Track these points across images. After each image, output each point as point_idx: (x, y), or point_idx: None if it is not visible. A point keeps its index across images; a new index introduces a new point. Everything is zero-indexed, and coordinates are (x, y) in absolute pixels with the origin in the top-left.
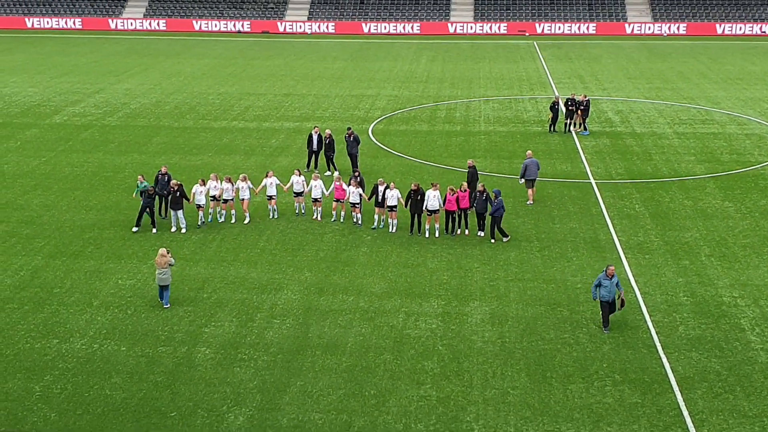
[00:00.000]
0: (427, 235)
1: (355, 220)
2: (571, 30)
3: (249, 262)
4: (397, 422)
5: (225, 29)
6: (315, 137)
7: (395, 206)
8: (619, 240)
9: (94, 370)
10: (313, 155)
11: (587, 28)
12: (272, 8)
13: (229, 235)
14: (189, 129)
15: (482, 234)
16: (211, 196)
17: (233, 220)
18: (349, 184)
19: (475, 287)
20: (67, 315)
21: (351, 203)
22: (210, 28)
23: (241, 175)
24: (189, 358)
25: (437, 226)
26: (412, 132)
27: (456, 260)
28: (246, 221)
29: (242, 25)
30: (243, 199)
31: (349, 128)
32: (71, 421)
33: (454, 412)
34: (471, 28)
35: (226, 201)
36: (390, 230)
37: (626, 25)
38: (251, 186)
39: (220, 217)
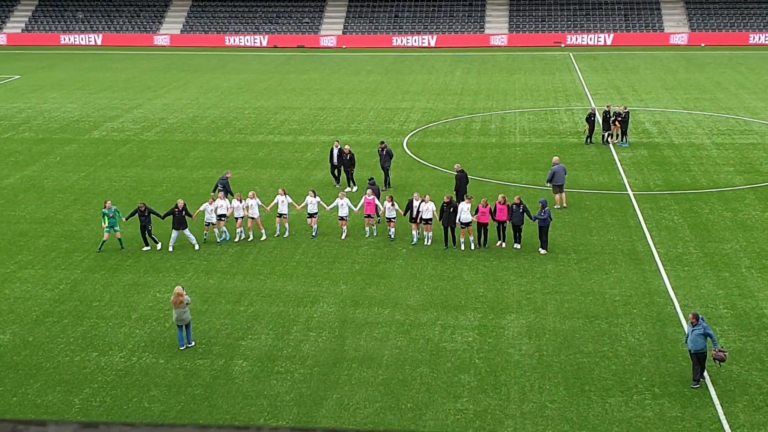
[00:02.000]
0: (462, 248)
1: (390, 236)
2: (607, 41)
3: (285, 275)
4: None
5: (259, 44)
6: (335, 151)
7: (430, 219)
8: (657, 252)
9: (133, 383)
10: (335, 170)
11: (624, 39)
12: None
13: (265, 248)
14: (225, 143)
15: (518, 246)
16: (219, 215)
17: (251, 237)
18: (382, 199)
19: (512, 300)
20: (106, 328)
21: (387, 218)
22: (245, 43)
23: (250, 192)
24: (226, 371)
25: (471, 238)
26: (446, 144)
27: (492, 272)
28: (263, 237)
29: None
30: (253, 218)
31: (382, 142)
32: None
33: (492, 425)
34: (505, 39)
35: (236, 219)
36: (425, 243)
37: (664, 36)
38: (260, 203)
39: (237, 236)
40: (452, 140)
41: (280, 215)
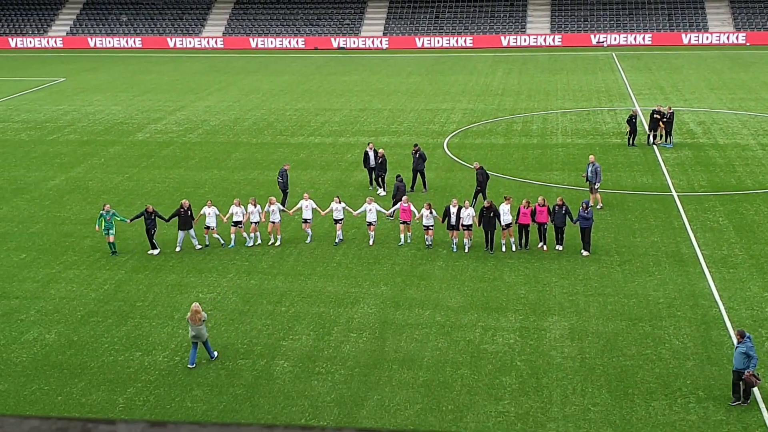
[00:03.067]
0: (503, 250)
1: (428, 243)
2: (650, 40)
3: (325, 276)
4: None
5: (299, 46)
6: (371, 153)
7: (471, 225)
8: (702, 254)
9: (176, 383)
10: (371, 172)
11: (669, 38)
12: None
13: (305, 249)
14: (267, 145)
15: (560, 248)
16: (235, 222)
17: (278, 242)
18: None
19: (554, 302)
20: (149, 328)
21: (425, 226)
22: (286, 45)
23: (270, 198)
24: (268, 371)
25: (512, 240)
26: (487, 145)
27: (533, 274)
28: (277, 243)
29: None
30: (273, 222)
31: (415, 145)
32: None
33: (534, 428)
34: (548, 40)
35: (252, 224)
36: (465, 251)
37: (708, 35)
38: (282, 209)
39: (250, 241)
40: (493, 141)
41: (305, 221)
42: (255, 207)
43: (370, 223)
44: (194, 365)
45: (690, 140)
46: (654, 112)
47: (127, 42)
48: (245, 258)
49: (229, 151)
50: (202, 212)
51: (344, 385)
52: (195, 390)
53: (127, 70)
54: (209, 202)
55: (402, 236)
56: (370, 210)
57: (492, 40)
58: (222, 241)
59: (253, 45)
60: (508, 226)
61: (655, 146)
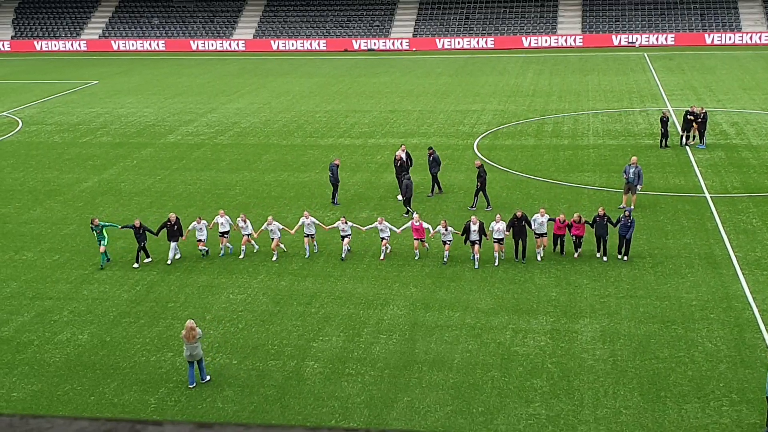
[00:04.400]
0: (539, 259)
1: (445, 260)
2: (682, 41)
3: (355, 278)
4: None
5: (328, 48)
6: (403, 155)
7: (502, 239)
8: (735, 256)
9: (207, 383)
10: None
11: (700, 38)
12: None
13: (336, 251)
14: (297, 146)
15: (605, 259)
16: (221, 232)
17: (274, 258)
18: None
19: (585, 304)
20: (181, 329)
21: (443, 241)
22: (316, 47)
23: (269, 218)
24: (298, 372)
25: (543, 248)
26: (518, 146)
27: (564, 276)
28: (273, 258)
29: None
30: (273, 239)
31: (430, 148)
32: None
33: (565, 431)
34: (578, 40)
35: (243, 236)
36: (495, 263)
37: (741, 35)
38: (281, 227)
39: (241, 253)
40: (523, 142)
41: (308, 235)
42: (222, 218)
43: (383, 238)
44: (194, 385)
45: (723, 141)
46: (687, 113)
47: (157, 45)
48: (271, 263)
49: (259, 153)
50: (190, 227)
51: (374, 387)
52: (226, 390)
53: (159, 73)
54: (199, 218)
55: (417, 252)
56: (382, 229)
57: (519, 40)
58: (203, 253)
59: (275, 47)
60: (541, 235)
61: (687, 147)
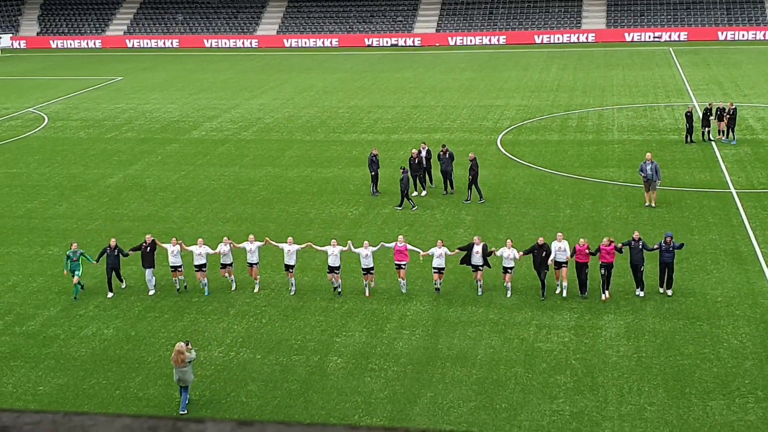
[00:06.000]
0: (564, 294)
1: (437, 286)
2: (708, 35)
3: (378, 273)
4: None
5: (352, 44)
6: (423, 153)
7: (512, 268)
8: (761, 252)
9: (231, 378)
10: (425, 173)
11: (725, 34)
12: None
13: (358, 246)
14: (320, 142)
15: (641, 294)
16: (197, 265)
17: (257, 289)
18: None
19: (610, 300)
20: (205, 323)
21: (435, 269)
22: (338, 44)
23: (250, 237)
24: (321, 367)
25: (565, 284)
26: (542, 142)
27: (589, 272)
28: (256, 289)
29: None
30: (251, 264)
31: (443, 145)
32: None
33: (589, 427)
34: (602, 35)
35: (224, 266)
36: (507, 295)
37: (766, 31)
38: (260, 244)
39: (233, 285)
40: (547, 137)
41: (288, 268)
42: (201, 248)
43: (366, 271)
44: (185, 411)
45: (749, 136)
46: (707, 109)
47: (179, 42)
48: (298, 255)
49: (283, 149)
50: (170, 250)
51: (397, 382)
52: (250, 385)
53: (183, 69)
54: (174, 240)
55: (401, 281)
56: (366, 255)
57: (541, 35)
58: (178, 287)
59: (297, 44)
60: (561, 264)
61: (713, 142)
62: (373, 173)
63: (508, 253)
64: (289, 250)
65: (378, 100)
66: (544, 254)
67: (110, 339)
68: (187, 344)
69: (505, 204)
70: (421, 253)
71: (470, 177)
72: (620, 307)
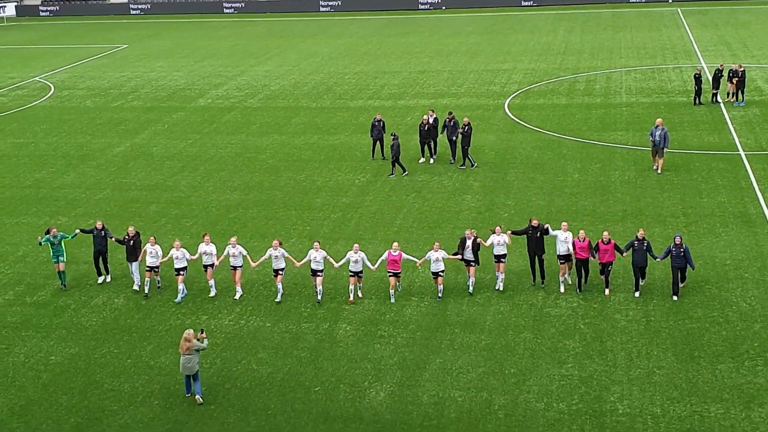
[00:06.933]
0: (562, 289)
1: (440, 295)
2: None
3: (387, 240)
4: (539, 401)
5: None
6: (431, 120)
7: (504, 256)
8: None
9: (241, 346)
10: (432, 142)
11: None
12: None
13: (366, 213)
14: (326, 109)
15: (637, 295)
16: (177, 269)
17: (239, 294)
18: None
19: (618, 264)
20: (218, 292)
21: (434, 273)
22: (344, 8)
23: (232, 239)
24: (331, 335)
25: (567, 277)
26: (549, 106)
27: (597, 237)
28: (237, 295)
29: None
30: (235, 267)
31: (450, 112)
32: (220, 394)
33: (597, 391)
34: None
35: (206, 268)
36: (498, 288)
37: None
38: (245, 253)
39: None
40: (555, 101)
41: (276, 273)
42: (178, 251)
43: (354, 274)
44: (190, 394)
45: (758, 98)
46: (717, 71)
47: (185, 8)
48: (306, 223)
49: (289, 116)
50: (146, 248)
51: (407, 349)
52: (260, 353)
53: (187, 36)
54: (152, 239)
55: (392, 292)
56: (356, 260)
57: None
58: (158, 286)
59: (305, 8)
60: (565, 258)
61: (721, 104)
62: (374, 138)
63: (498, 240)
64: (276, 255)
65: (384, 65)
66: (539, 234)
67: (121, 308)
68: (201, 332)
69: (513, 169)
70: (418, 262)
71: (464, 144)
72: (628, 272)
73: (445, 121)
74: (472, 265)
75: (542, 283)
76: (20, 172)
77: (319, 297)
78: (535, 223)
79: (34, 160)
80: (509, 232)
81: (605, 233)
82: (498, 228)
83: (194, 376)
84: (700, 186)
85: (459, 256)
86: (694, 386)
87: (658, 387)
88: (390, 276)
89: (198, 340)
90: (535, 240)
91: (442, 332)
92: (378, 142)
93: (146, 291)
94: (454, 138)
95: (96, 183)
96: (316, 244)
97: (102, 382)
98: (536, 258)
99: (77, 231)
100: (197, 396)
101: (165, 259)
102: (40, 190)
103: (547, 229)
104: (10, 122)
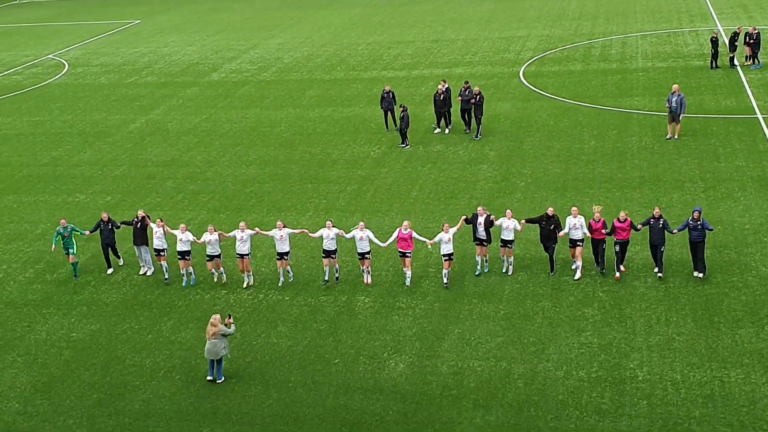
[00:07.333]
0: (577, 275)
1: (445, 281)
2: None
3: (403, 212)
4: (558, 369)
5: None
6: (443, 89)
7: (512, 241)
8: None
9: (261, 319)
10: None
11: None
12: None
13: (382, 185)
14: (340, 81)
15: (661, 274)
16: (181, 252)
17: (247, 283)
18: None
19: (636, 232)
20: (233, 266)
21: (444, 256)
22: None
23: (241, 224)
24: (349, 307)
25: (579, 264)
26: (565, 72)
27: (615, 204)
28: (245, 284)
29: None
30: (242, 255)
31: (466, 82)
32: (241, 368)
33: (617, 359)
34: None
35: (211, 258)
36: (505, 272)
37: None
38: (252, 233)
39: (216, 277)
40: (571, 68)
41: (281, 256)
42: (183, 234)
43: (362, 256)
44: (212, 378)
45: None
46: (734, 33)
47: None
48: (322, 196)
49: (303, 89)
50: (156, 230)
51: (425, 320)
52: (279, 326)
53: (199, 10)
54: (159, 220)
55: (405, 270)
56: (361, 238)
57: None
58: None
59: None
60: (576, 243)
61: (738, 67)
62: (385, 110)
63: (507, 224)
64: (282, 236)
65: (397, 35)
66: (552, 227)
67: (140, 284)
68: (229, 317)
69: (529, 137)
70: (428, 242)
71: (476, 112)
72: (646, 239)
73: (460, 90)
74: (484, 245)
75: (552, 271)
76: (37, 150)
77: (337, 275)
78: (551, 212)
79: (51, 138)
80: (524, 221)
81: (621, 212)
82: (509, 211)
83: (218, 360)
84: (717, 150)
85: (464, 217)
86: (714, 352)
87: (678, 353)
88: (400, 256)
89: (225, 325)
90: (548, 232)
91: (460, 303)
92: (389, 113)
93: (166, 276)
94: (467, 108)
95: (112, 160)
96: (328, 222)
97: (124, 358)
98: (549, 249)
99: (87, 233)
100: (218, 380)
101: (172, 231)
102: (57, 168)
103: (560, 221)
104: (26, 100)
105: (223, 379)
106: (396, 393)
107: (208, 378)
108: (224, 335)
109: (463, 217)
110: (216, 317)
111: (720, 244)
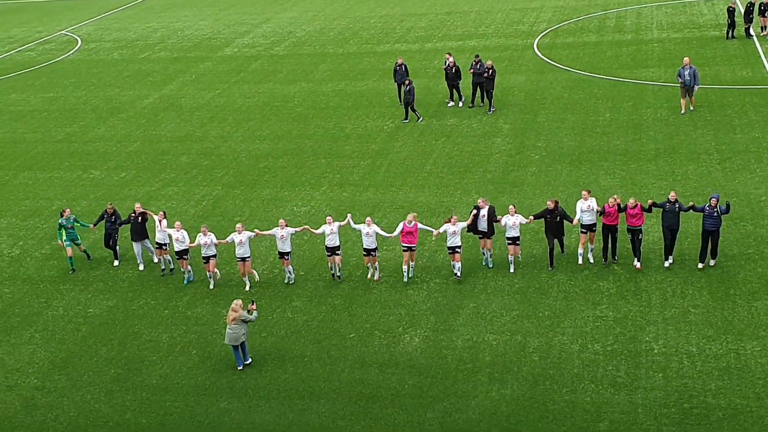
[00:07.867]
0: (579, 261)
1: (458, 274)
2: None
3: (417, 186)
4: (573, 343)
5: None
6: (451, 60)
7: (517, 238)
8: None
9: (276, 294)
10: (454, 88)
11: None
12: None
13: (396, 160)
14: (353, 54)
15: (669, 263)
16: (179, 252)
17: (247, 286)
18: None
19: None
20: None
21: (450, 248)
22: None
23: (237, 225)
24: (364, 282)
25: (591, 247)
26: (579, 44)
27: (630, 176)
28: (247, 287)
29: None
30: (243, 258)
31: (477, 55)
32: (257, 342)
33: (632, 332)
34: None
35: (207, 259)
36: (510, 270)
37: None
38: (251, 234)
39: (211, 282)
40: (585, 39)
41: (282, 256)
42: (179, 232)
43: (368, 252)
44: (242, 366)
45: None
46: (750, 3)
47: None
48: (336, 171)
49: (315, 63)
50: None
51: (440, 294)
52: (295, 301)
53: None
54: (162, 213)
55: (405, 268)
56: (368, 233)
57: None
58: (169, 266)
59: None
60: (588, 228)
61: (755, 38)
62: (398, 83)
63: (513, 221)
64: (282, 235)
65: (410, 7)
66: (559, 218)
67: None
68: (252, 303)
69: (543, 110)
70: (434, 232)
71: (487, 86)
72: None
73: (471, 63)
74: (488, 238)
75: (551, 266)
76: (51, 127)
77: (339, 273)
78: (551, 205)
79: (65, 114)
80: (531, 217)
81: (631, 199)
82: (512, 207)
83: (240, 345)
84: (733, 122)
85: (474, 211)
86: (730, 324)
87: (694, 326)
88: (404, 250)
89: (247, 311)
90: (554, 226)
91: (474, 276)
92: (402, 86)
93: (171, 268)
94: (479, 82)
95: (126, 135)
96: (328, 218)
97: (140, 333)
98: (556, 241)
99: (92, 226)
100: (246, 361)
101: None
102: (71, 144)
103: (565, 213)
104: (40, 76)
105: (250, 360)
106: (411, 367)
107: (239, 368)
108: (245, 321)
109: (473, 211)
110: (238, 302)
111: (736, 216)
